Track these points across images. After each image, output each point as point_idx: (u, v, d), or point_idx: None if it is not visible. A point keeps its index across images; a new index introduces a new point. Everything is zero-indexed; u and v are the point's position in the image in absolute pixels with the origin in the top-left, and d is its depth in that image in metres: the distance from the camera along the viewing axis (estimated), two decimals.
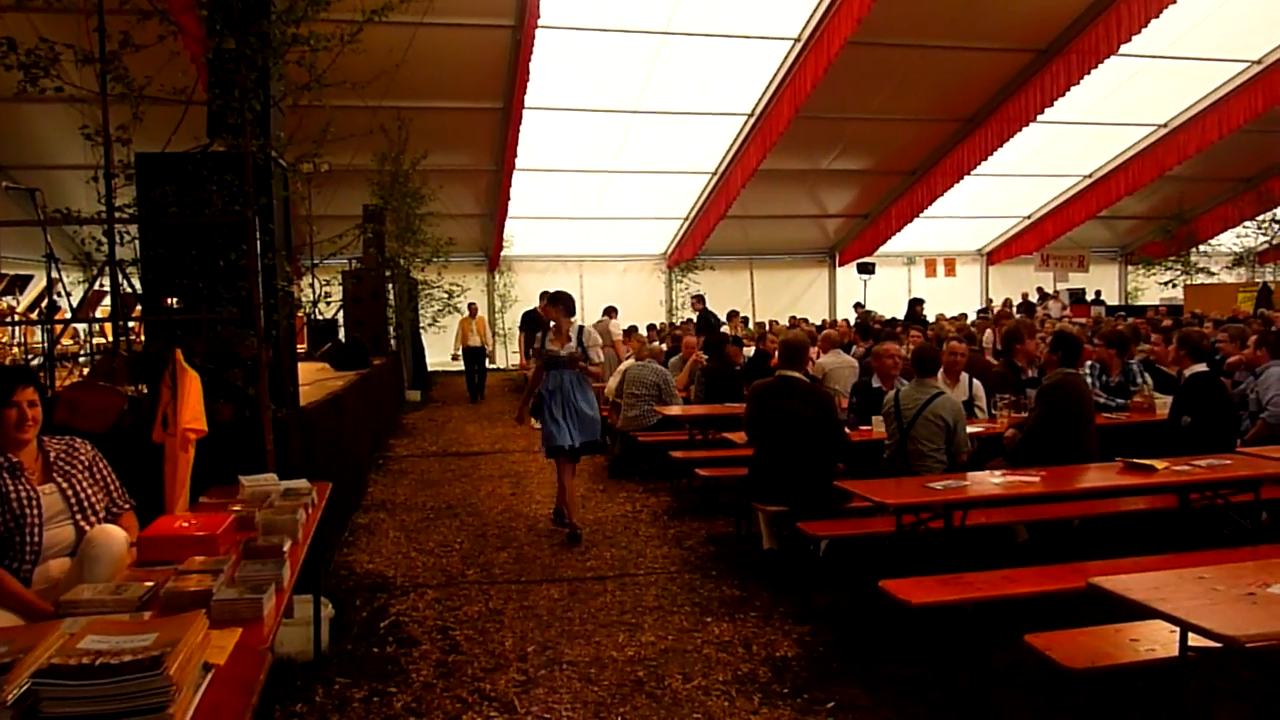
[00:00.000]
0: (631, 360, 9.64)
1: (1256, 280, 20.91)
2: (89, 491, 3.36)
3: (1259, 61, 16.11)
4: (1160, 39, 14.29)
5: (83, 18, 5.23)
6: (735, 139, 16.97)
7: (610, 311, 15.29)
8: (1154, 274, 24.04)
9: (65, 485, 3.30)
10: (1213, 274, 22.89)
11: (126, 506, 3.54)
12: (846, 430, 6.32)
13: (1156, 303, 22.00)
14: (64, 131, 11.93)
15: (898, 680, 4.16)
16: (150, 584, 2.67)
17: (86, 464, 3.44)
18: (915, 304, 17.16)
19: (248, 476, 4.07)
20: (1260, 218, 21.16)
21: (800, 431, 5.66)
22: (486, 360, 17.15)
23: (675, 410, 8.77)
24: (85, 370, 7.27)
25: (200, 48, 5.36)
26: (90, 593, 2.64)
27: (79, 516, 3.28)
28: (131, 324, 6.18)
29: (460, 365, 16.75)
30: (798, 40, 13.94)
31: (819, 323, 17.03)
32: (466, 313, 16.72)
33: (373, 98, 8.26)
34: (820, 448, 5.71)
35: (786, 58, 14.41)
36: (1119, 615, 3.28)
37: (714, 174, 18.38)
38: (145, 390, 4.92)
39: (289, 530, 3.31)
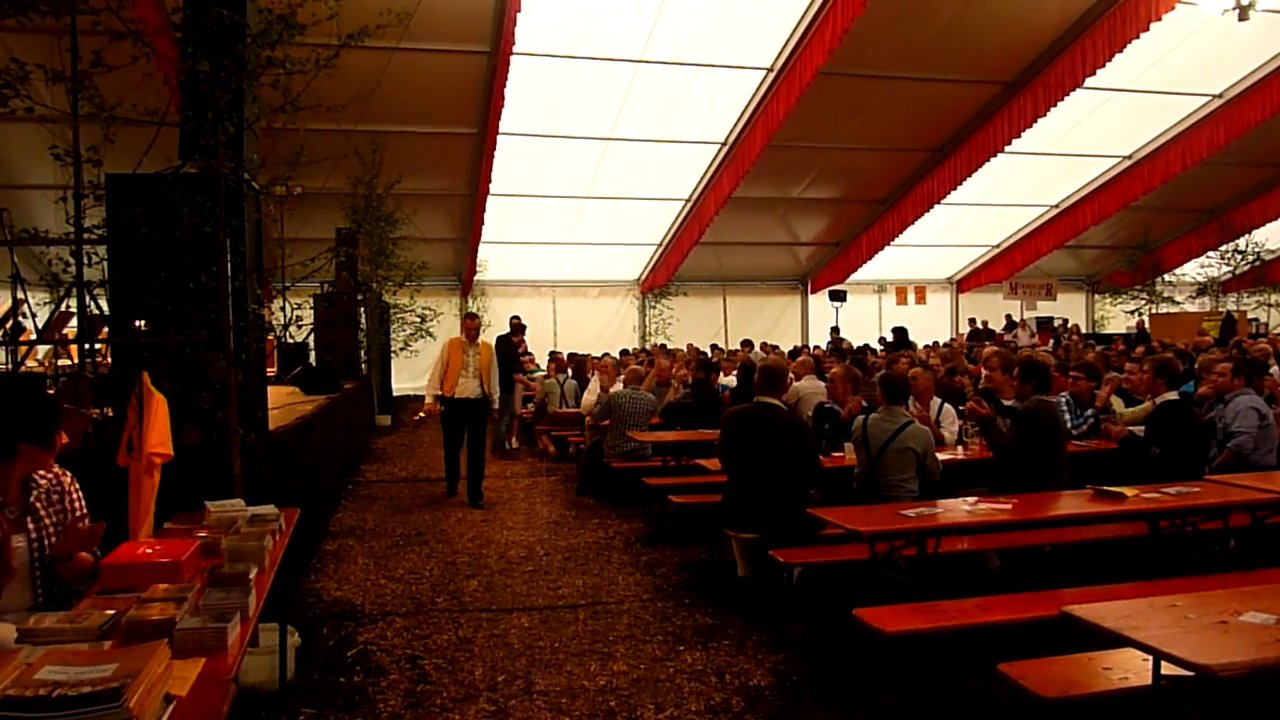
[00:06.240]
0: (620, 387, 9.60)
1: (1220, 310, 21.27)
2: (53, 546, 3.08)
3: (1220, 95, 16.46)
4: (1124, 73, 14.58)
5: (55, 38, 5.19)
6: (708, 167, 17.09)
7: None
8: (1120, 303, 24.40)
9: (35, 539, 3.03)
10: (1177, 303, 23.28)
11: None
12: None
13: (1124, 331, 22.32)
14: (33, 151, 11.81)
15: (871, 709, 4.14)
16: (111, 612, 2.60)
17: (63, 504, 3.17)
18: (901, 331, 17.21)
19: (214, 502, 4.00)
20: (1223, 248, 21.55)
21: (777, 459, 5.65)
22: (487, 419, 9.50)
23: (649, 436, 8.77)
24: (50, 392, 7.16)
25: (173, 69, 5.34)
26: (49, 621, 2.56)
27: (38, 578, 3.02)
28: (98, 346, 6.09)
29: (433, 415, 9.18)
30: (770, 70, 14.11)
31: (790, 349, 17.12)
32: (461, 333, 9.22)
33: (347, 122, 8.23)
34: (795, 476, 5.69)
35: (759, 87, 14.57)
36: (1092, 643, 3.28)
37: (687, 201, 18.50)
38: (111, 413, 4.85)
39: (255, 557, 3.25)
